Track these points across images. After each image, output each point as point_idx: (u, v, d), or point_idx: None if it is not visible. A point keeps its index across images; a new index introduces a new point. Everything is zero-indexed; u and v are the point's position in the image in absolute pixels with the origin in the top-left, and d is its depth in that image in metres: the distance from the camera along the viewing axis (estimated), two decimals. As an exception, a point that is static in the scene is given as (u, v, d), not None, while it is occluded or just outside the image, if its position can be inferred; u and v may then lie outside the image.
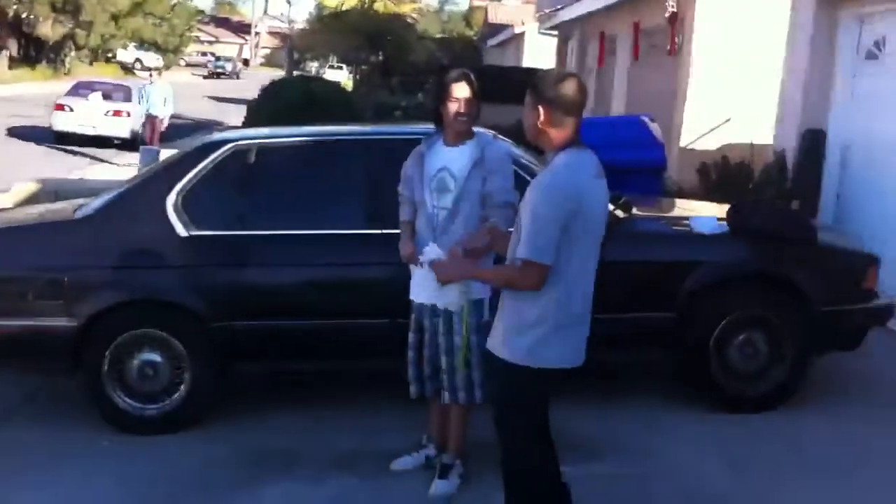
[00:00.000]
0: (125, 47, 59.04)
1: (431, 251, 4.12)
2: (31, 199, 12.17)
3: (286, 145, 5.75)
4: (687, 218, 5.98)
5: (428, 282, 4.42)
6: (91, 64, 52.03)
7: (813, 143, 8.89)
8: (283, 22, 64.36)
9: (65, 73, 45.38)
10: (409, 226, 4.63)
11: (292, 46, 41.12)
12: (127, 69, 55.65)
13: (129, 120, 20.58)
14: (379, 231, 5.18)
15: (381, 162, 5.35)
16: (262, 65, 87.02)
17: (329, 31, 32.09)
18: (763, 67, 11.25)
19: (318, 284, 5.37)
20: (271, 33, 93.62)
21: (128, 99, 21.09)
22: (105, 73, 44.86)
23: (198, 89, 45.45)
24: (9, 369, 5.64)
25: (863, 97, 8.58)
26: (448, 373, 4.46)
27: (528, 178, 4.89)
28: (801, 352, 5.62)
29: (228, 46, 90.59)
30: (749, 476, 4.84)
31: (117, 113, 20.81)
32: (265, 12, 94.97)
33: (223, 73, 65.38)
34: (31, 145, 20.47)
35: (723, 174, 10.08)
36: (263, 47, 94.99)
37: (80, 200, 6.04)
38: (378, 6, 32.47)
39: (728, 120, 12.22)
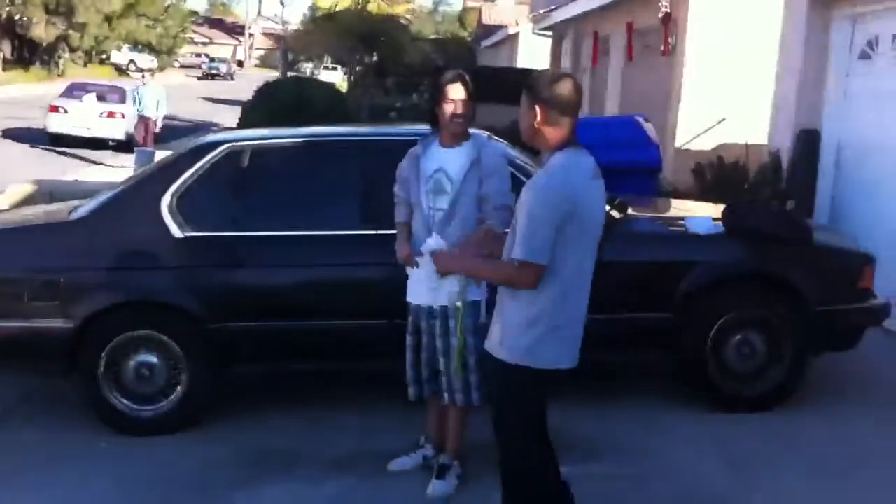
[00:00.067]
0: (119, 49, 58.98)
1: (434, 242, 4.11)
2: (27, 201, 12.15)
3: (281, 146, 5.74)
4: (682, 218, 5.99)
5: (424, 283, 4.43)
6: (85, 65, 51.99)
7: (807, 143, 8.91)
8: (277, 23, 64.38)
9: (59, 75, 45.31)
10: (405, 227, 4.63)
11: (286, 48, 41.07)
12: (121, 71, 55.58)
13: (124, 121, 20.58)
14: (375, 232, 5.18)
15: (376, 163, 5.35)
16: (256, 66, 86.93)
17: (323, 33, 32.02)
18: (757, 67, 11.26)
19: (314, 285, 5.37)
20: (265, 34, 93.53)
21: (122, 100, 21.09)
22: (99, 75, 44.85)
23: (192, 91, 45.42)
24: (5, 371, 5.64)
25: (856, 97, 8.60)
26: (446, 375, 4.46)
27: (524, 179, 4.88)
28: (798, 352, 5.63)
29: (222, 48, 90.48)
30: (747, 476, 4.85)
31: (111, 114, 20.82)
32: (259, 13, 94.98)
33: (217, 75, 65.30)
34: (26, 147, 20.46)
35: (718, 174, 10.09)
36: (258, 48, 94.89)
37: (76, 202, 6.03)
38: (372, 7, 32.39)
39: (723, 120, 12.24)
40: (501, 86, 12.17)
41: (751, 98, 11.30)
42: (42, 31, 44.27)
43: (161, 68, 56.35)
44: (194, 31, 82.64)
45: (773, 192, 8.79)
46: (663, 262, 5.58)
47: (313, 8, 40.47)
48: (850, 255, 5.93)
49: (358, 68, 32.04)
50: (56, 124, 20.80)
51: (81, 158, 19.07)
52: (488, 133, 5.02)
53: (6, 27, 43.94)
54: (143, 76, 20.42)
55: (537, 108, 3.45)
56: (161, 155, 9.63)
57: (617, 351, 5.58)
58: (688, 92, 12.70)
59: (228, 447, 5.14)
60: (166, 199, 5.27)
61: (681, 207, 7.16)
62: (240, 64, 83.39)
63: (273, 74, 38.74)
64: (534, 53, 29.44)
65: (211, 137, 6.02)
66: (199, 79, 62.52)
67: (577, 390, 4.68)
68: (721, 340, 5.56)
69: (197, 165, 5.39)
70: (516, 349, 3.48)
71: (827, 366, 6.18)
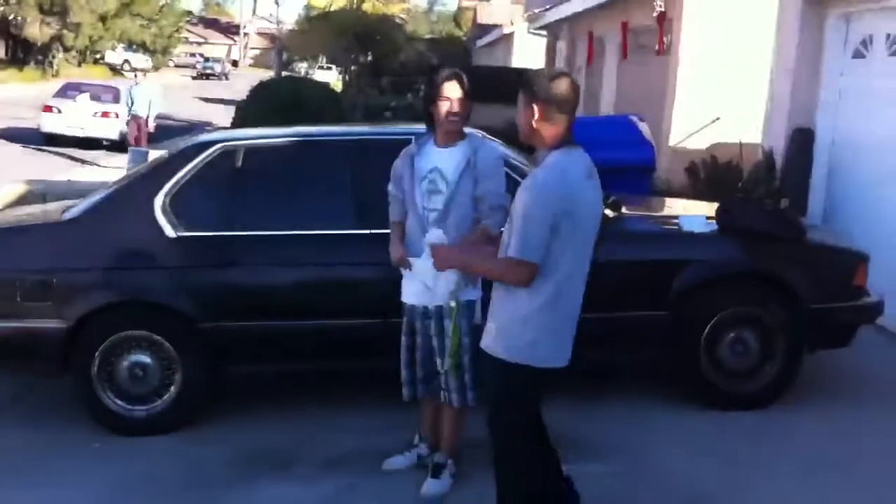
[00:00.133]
0: (113, 48, 58.90)
1: (434, 236, 4.09)
2: (20, 201, 12.12)
3: (275, 146, 5.74)
4: (676, 217, 5.99)
5: (419, 282, 4.42)
6: (79, 65, 51.92)
7: (801, 141, 8.91)
8: (271, 23, 64.31)
9: (53, 75, 45.25)
10: (398, 226, 4.61)
11: (281, 47, 41.06)
12: (115, 70, 55.48)
13: (118, 121, 20.51)
14: (368, 231, 5.17)
15: (370, 162, 5.34)
16: (251, 66, 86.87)
17: (318, 32, 32.03)
18: (751, 66, 11.27)
19: (307, 285, 5.36)
20: (260, 34, 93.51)
21: (116, 100, 21.02)
22: (93, 75, 44.78)
23: (187, 90, 45.37)
24: (-2, 371, 5.62)
25: (850, 96, 8.61)
26: (443, 374, 4.45)
27: (519, 179, 4.87)
28: (792, 349, 5.63)
29: (217, 47, 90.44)
30: (741, 474, 4.85)
31: (105, 114, 20.77)
32: (254, 13, 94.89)
33: (212, 74, 65.23)
34: (20, 147, 20.41)
35: (712, 173, 10.10)
36: (252, 48, 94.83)
37: (68, 202, 6.02)
38: (366, 7, 32.43)
39: (717, 119, 12.24)
40: (496, 85, 12.16)
41: (745, 97, 11.31)
42: (36, 30, 44.22)
43: (156, 68, 56.33)
44: (189, 31, 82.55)
45: (767, 190, 8.79)
46: (657, 260, 5.59)
47: (308, 7, 40.46)
48: (844, 253, 5.94)
49: (353, 68, 32.04)
50: (50, 124, 20.76)
51: (74, 159, 19.02)
52: (482, 132, 5.01)
53: (0, 27, 43.85)
54: (136, 76, 20.38)
55: (534, 107, 3.45)
56: (155, 155, 9.60)
57: (611, 349, 5.59)
58: (682, 91, 12.71)
59: (222, 447, 5.13)
60: (159, 199, 5.26)
61: (675, 206, 7.17)
62: (234, 64, 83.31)
63: (268, 74, 38.71)
64: (529, 53, 29.43)
65: (204, 137, 6.01)
66: (194, 78, 62.45)
67: (571, 389, 4.68)
68: (715, 338, 5.56)
69: (190, 165, 5.38)
70: (513, 347, 3.48)
71: (821, 363, 6.18)
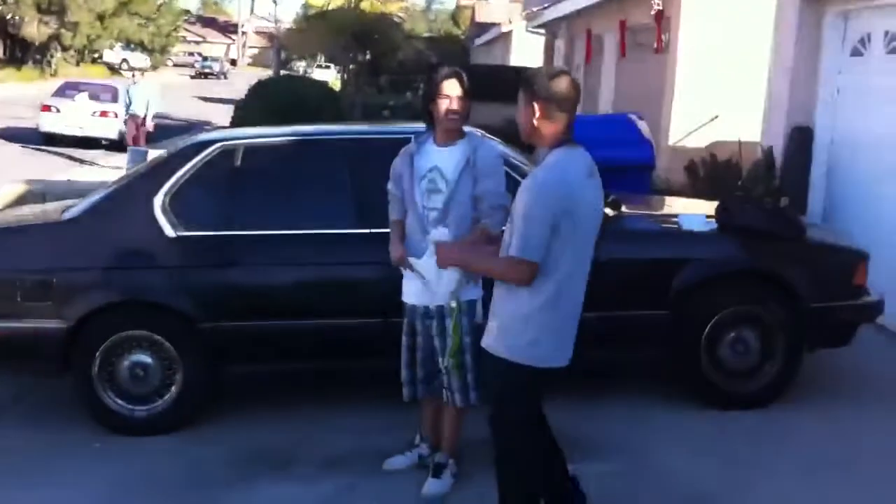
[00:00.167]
0: (111, 48, 58.88)
1: (438, 233, 4.07)
2: (19, 201, 12.12)
3: (274, 145, 5.73)
4: (676, 215, 5.99)
5: (419, 282, 4.41)
6: (78, 65, 51.90)
7: (800, 139, 8.91)
8: (270, 21, 64.24)
9: (51, 74, 45.22)
10: (398, 225, 4.59)
11: (280, 46, 41.01)
12: (114, 70, 55.44)
13: (117, 121, 20.51)
14: (368, 230, 5.17)
15: (369, 161, 5.33)
16: (249, 65, 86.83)
17: (316, 31, 31.99)
18: (750, 64, 11.27)
19: (307, 285, 5.36)
20: (258, 33, 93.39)
21: (115, 99, 21.01)
22: (92, 74, 44.73)
23: (185, 89, 45.35)
24: (-1, 371, 5.62)
25: (848, 94, 8.61)
26: (446, 374, 4.44)
27: (518, 178, 4.88)
28: (791, 348, 5.63)
29: (215, 46, 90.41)
30: (741, 474, 4.85)
31: (104, 114, 20.76)
32: (252, 12, 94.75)
33: (210, 74, 65.16)
34: (19, 147, 20.39)
35: (711, 172, 10.09)
36: (251, 47, 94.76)
37: (68, 202, 6.02)
38: (364, 5, 32.38)
39: (716, 117, 12.24)
40: (495, 84, 12.18)
41: (744, 95, 11.30)
42: (34, 30, 44.18)
43: (154, 67, 56.26)
44: (187, 30, 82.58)
45: (767, 189, 8.79)
46: (657, 259, 5.59)
47: (306, 6, 40.43)
48: (843, 251, 5.94)
49: (351, 66, 32.02)
50: (49, 124, 20.75)
51: (73, 158, 19.01)
52: (481, 131, 5.00)
53: (-2, 26, 43.90)
54: (133, 75, 20.35)
55: (535, 105, 3.45)
56: (154, 154, 9.60)
57: (611, 349, 5.58)
58: (681, 89, 12.71)
59: (223, 447, 5.13)
60: (159, 199, 5.26)
61: (674, 205, 7.16)
62: (233, 63, 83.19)
63: (266, 73, 38.69)
64: (527, 51, 29.43)
65: (203, 136, 6.01)
66: (192, 77, 62.41)
67: (572, 388, 4.68)
68: (715, 337, 5.56)
69: (189, 164, 5.37)
70: (515, 346, 3.49)
71: (821, 362, 6.18)
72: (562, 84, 3.47)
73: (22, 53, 48.42)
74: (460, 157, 4.41)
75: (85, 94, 21.37)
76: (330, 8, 33.26)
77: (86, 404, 5.30)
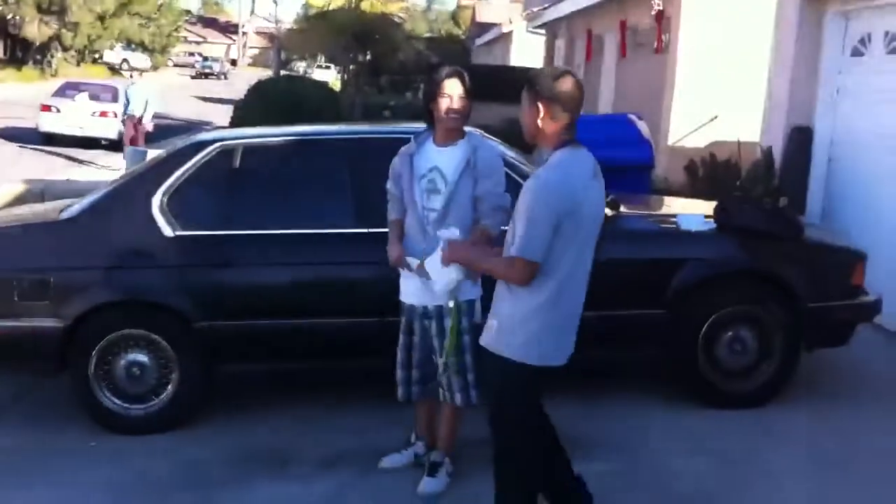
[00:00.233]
0: (112, 48, 58.87)
1: (449, 232, 4.05)
2: (18, 200, 12.12)
3: (273, 145, 5.73)
4: (674, 215, 5.98)
5: (417, 282, 4.39)
6: (78, 65, 51.93)
7: (800, 140, 8.90)
8: (270, 22, 64.24)
9: (52, 75, 45.24)
10: (397, 225, 4.58)
11: (280, 46, 40.99)
12: (114, 70, 55.45)
13: (117, 121, 20.49)
14: (366, 230, 5.17)
15: (368, 161, 5.32)
16: (249, 65, 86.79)
17: (316, 31, 31.95)
18: (750, 65, 11.27)
19: (305, 284, 5.35)
20: (259, 33, 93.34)
21: (115, 99, 21.01)
22: (92, 74, 44.75)
23: (185, 90, 45.36)
24: (-5, 370, 5.62)
25: (849, 94, 8.60)
26: (445, 374, 4.43)
27: (518, 178, 4.89)
28: (789, 348, 5.63)
29: (216, 47, 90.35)
30: (738, 473, 4.85)
31: (104, 114, 20.76)
32: (252, 12, 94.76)
33: (211, 74, 65.16)
34: (18, 146, 20.40)
35: (710, 172, 10.08)
36: (251, 47, 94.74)
37: (67, 201, 6.01)
38: (365, 6, 32.34)
39: (715, 117, 12.24)
40: (495, 84, 12.18)
41: (743, 95, 11.30)
42: (35, 30, 44.21)
43: (155, 67, 56.25)
44: (187, 30, 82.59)
45: (766, 189, 8.78)
46: (655, 259, 5.58)
47: (306, 6, 40.40)
48: (841, 251, 5.93)
49: (351, 67, 31.99)
50: (48, 124, 20.76)
51: (72, 159, 19.00)
52: (481, 131, 5.00)
53: (-1, 27, 43.92)
54: (131, 75, 20.35)
55: (540, 105, 3.44)
56: (153, 154, 9.59)
57: (609, 348, 5.57)
58: (680, 89, 12.71)
59: (219, 446, 5.12)
60: (157, 198, 5.25)
61: (673, 205, 7.16)
62: (233, 63, 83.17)
63: (266, 73, 38.68)
64: (527, 51, 29.43)
65: (202, 136, 6.00)
66: (193, 78, 62.41)
67: (570, 387, 4.68)
68: (712, 337, 5.56)
69: (188, 164, 5.37)
70: (514, 345, 3.48)
71: (818, 362, 6.18)
72: (566, 84, 3.46)
73: (22, 53, 48.45)
74: (460, 157, 4.39)
75: (85, 95, 21.38)
76: (330, 8, 33.23)
77: (82, 403, 5.29)
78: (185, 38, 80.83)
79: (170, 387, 5.27)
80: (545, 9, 21.85)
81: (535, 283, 3.42)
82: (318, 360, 5.59)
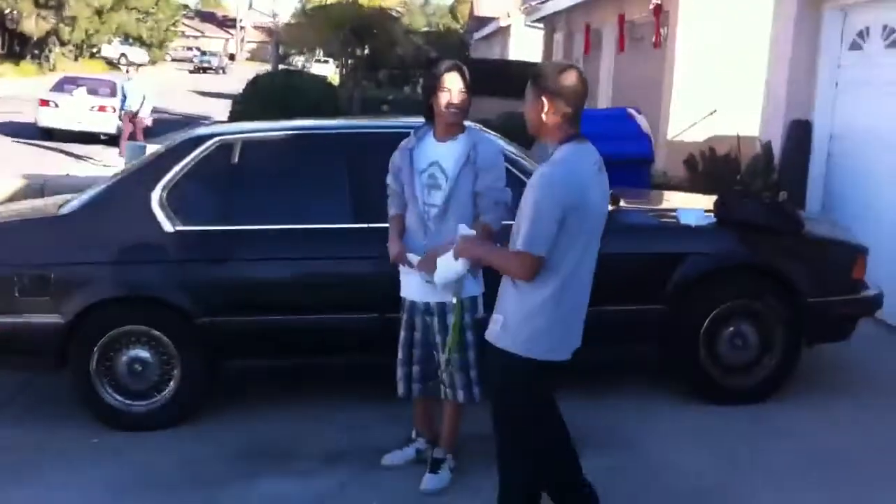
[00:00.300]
0: (110, 42, 58.77)
1: (464, 228, 4.03)
2: (17, 196, 12.10)
3: (272, 139, 5.71)
4: (674, 210, 5.98)
5: (418, 278, 4.38)
6: (76, 59, 51.83)
7: (799, 134, 8.90)
8: (268, 16, 64.12)
9: (49, 69, 45.16)
10: (398, 220, 4.56)
11: (278, 41, 40.93)
12: (112, 64, 55.37)
13: (115, 115, 20.50)
14: (366, 225, 5.16)
15: (367, 156, 5.31)
16: (247, 59, 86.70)
17: (314, 26, 31.92)
18: (749, 59, 11.26)
19: (305, 279, 5.35)
20: (257, 28, 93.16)
21: (113, 94, 21.01)
22: (90, 69, 44.67)
23: (183, 84, 45.29)
24: (-4, 366, 5.61)
25: (847, 87, 8.60)
26: (447, 371, 4.43)
27: (518, 172, 4.88)
28: (790, 343, 5.63)
29: (214, 41, 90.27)
30: (739, 468, 4.85)
31: (102, 108, 20.75)
32: (250, 7, 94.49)
33: (209, 68, 65.11)
34: (17, 141, 20.37)
35: (710, 166, 10.07)
36: (249, 42, 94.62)
37: (66, 196, 6.01)
38: (363, 0, 32.34)
39: (714, 111, 12.23)
40: (494, 78, 12.20)
41: (742, 89, 11.30)
42: (32, 24, 44.14)
43: (153, 62, 56.17)
44: (185, 25, 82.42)
45: (765, 183, 8.78)
46: (655, 253, 5.58)
47: (304, 1, 40.35)
48: (842, 245, 5.93)
49: (349, 61, 31.94)
50: (47, 118, 20.74)
51: (69, 153, 18.97)
52: (479, 125, 4.99)
53: (-4, 21, 43.84)
54: (128, 70, 20.32)
55: (544, 100, 3.43)
56: (152, 149, 9.59)
57: (609, 343, 5.56)
58: (679, 83, 12.70)
59: (221, 443, 5.12)
60: (156, 194, 5.24)
61: (673, 199, 7.15)
62: (231, 57, 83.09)
63: (265, 68, 38.64)
64: (526, 45, 29.41)
65: (201, 131, 5.99)
66: (191, 72, 62.36)
67: (573, 383, 4.66)
68: (713, 332, 5.55)
69: (187, 159, 5.36)
70: (518, 339, 3.47)
71: (820, 357, 6.18)
72: (570, 78, 3.44)
73: (20, 48, 48.35)
74: (461, 152, 4.38)
75: (83, 89, 21.35)
76: (328, 2, 33.21)
77: (83, 400, 5.29)
78: (183, 32, 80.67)
79: (172, 383, 5.27)
80: (543, 3, 21.82)
81: (540, 279, 3.41)
82: (320, 355, 5.59)
